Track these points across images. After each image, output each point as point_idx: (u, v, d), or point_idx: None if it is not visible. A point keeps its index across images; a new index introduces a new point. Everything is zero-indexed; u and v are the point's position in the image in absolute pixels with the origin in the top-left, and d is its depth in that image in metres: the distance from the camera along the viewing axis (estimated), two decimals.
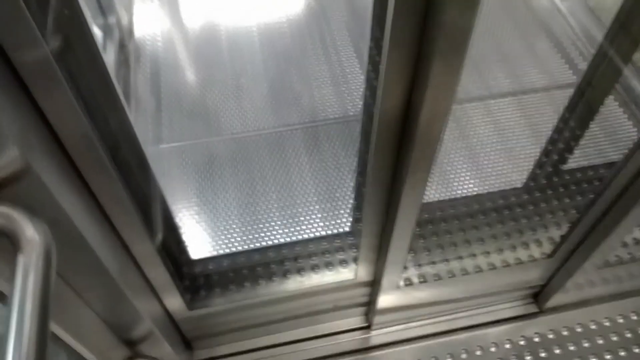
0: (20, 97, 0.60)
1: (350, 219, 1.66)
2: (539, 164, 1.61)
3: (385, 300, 1.31)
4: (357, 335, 1.44)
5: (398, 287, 1.29)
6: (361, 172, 1.18)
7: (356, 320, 1.45)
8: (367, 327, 1.44)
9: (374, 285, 1.32)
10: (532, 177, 1.60)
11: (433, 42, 0.67)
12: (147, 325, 1.02)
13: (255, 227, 1.65)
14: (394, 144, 0.88)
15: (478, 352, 1.40)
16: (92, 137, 0.69)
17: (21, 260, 0.57)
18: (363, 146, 1.11)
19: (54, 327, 0.80)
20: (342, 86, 2.04)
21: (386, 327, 1.44)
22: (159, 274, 1.04)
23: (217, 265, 1.37)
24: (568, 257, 1.35)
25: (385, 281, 1.23)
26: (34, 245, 0.57)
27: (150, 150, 1.82)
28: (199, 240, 1.61)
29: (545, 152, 1.62)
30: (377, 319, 1.39)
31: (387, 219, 1.08)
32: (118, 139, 0.88)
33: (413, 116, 0.79)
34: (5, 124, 0.54)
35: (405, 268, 1.32)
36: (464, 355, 1.40)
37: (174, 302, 1.18)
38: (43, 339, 0.55)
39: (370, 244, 1.17)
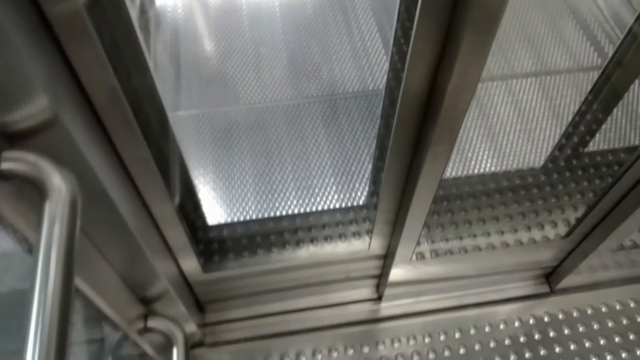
0: (51, 49, 0.60)
1: (366, 192, 1.67)
2: (559, 146, 1.59)
3: (397, 273, 1.32)
4: (367, 306, 1.45)
5: (410, 261, 1.29)
6: (380, 146, 1.18)
7: (367, 292, 1.47)
8: (378, 299, 1.45)
9: (386, 258, 1.33)
10: (551, 158, 1.59)
11: (465, 14, 0.66)
12: (163, 285, 1.04)
13: (270, 196, 1.66)
14: (417, 117, 0.88)
15: (487, 329, 1.41)
16: (119, 93, 0.69)
17: (47, 208, 0.58)
18: (384, 120, 1.11)
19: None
20: (363, 60, 2.02)
21: (396, 299, 1.45)
22: (177, 235, 1.05)
23: (231, 232, 1.38)
24: (583, 239, 1.35)
25: (399, 255, 1.24)
26: (60, 193, 0.58)
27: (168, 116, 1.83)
28: (214, 207, 1.63)
29: (566, 134, 1.61)
30: (387, 292, 1.40)
31: (404, 193, 1.08)
32: (143, 98, 0.89)
33: (439, 89, 0.79)
34: (36, 73, 0.55)
35: (419, 243, 1.32)
36: (472, 331, 1.41)
37: (190, 264, 1.19)
38: (68, 287, 0.56)
39: (385, 217, 1.18)
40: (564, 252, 1.41)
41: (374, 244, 1.29)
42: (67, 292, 0.56)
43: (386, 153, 0.99)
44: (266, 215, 1.62)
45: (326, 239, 1.36)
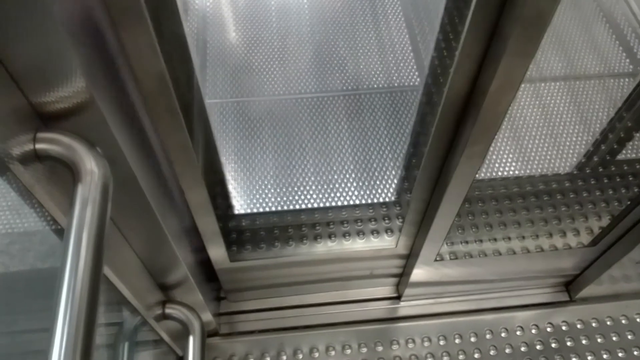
0: (95, 33, 0.60)
1: (392, 189, 1.66)
2: (586, 153, 1.57)
3: (418, 273, 1.31)
4: (386, 304, 1.44)
5: (432, 262, 1.28)
6: (415, 143, 1.17)
7: (386, 290, 1.46)
8: (397, 298, 1.45)
9: (409, 258, 1.32)
10: (577, 165, 1.57)
11: (515, 12, 0.65)
12: (183, 272, 1.04)
13: (290, 189, 1.65)
14: (457, 116, 0.87)
15: (503, 334, 1.40)
16: (167, 79, 0.69)
17: (80, 191, 0.58)
18: (420, 117, 1.10)
19: None
20: (389, 56, 2.01)
21: (415, 300, 1.44)
22: (209, 222, 1.05)
23: (260, 221, 1.38)
24: (606, 249, 1.33)
25: (422, 255, 1.23)
26: (93, 177, 0.58)
27: (205, 104, 1.83)
28: (234, 197, 1.63)
29: (594, 142, 1.58)
30: (407, 291, 1.40)
31: (434, 193, 1.07)
32: (185, 85, 0.89)
33: (482, 88, 0.78)
34: (75, 55, 0.55)
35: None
36: (488, 336, 1.40)
37: (218, 251, 1.20)
38: (97, 270, 0.56)
39: (414, 216, 1.17)
40: (586, 261, 1.39)
41: (401, 242, 1.28)
42: (96, 274, 0.56)
43: (421, 151, 0.98)
44: (285, 207, 1.61)
45: (344, 235, 1.35)
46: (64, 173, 0.59)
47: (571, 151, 1.73)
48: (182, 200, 1.06)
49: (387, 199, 1.62)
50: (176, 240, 0.96)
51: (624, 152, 1.55)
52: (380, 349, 1.38)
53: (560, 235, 1.38)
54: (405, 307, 1.44)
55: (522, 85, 1.90)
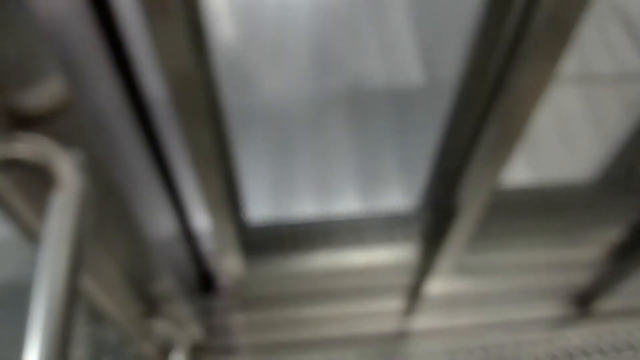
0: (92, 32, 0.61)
1: (403, 198, 1.66)
2: (605, 161, 1.57)
3: (432, 287, 1.31)
4: (395, 319, 1.45)
5: (448, 275, 1.28)
6: (432, 149, 1.18)
7: (396, 304, 1.46)
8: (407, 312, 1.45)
9: (422, 271, 1.32)
10: (594, 174, 1.57)
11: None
12: (169, 285, 1.04)
13: (286, 195, 1.66)
14: (478, 121, 0.87)
15: (513, 349, 1.40)
16: (195, 76, 0.69)
17: (55, 198, 0.58)
18: (438, 122, 1.11)
19: None
20: (390, 55, 2.01)
21: (427, 313, 1.44)
22: (226, 230, 1.08)
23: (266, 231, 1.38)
24: (622, 261, 1.33)
25: (438, 268, 1.22)
26: (69, 183, 0.58)
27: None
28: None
29: (613, 149, 1.58)
30: (419, 305, 1.39)
31: (452, 202, 1.07)
32: (210, 82, 0.89)
33: (507, 92, 0.78)
34: (54, 54, 0.55)
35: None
36: (498, 351, 1.40)
37: (231, 261, 1.21)
38: (74, 282, 0.56)
39: (429, 228, 1.17)
40: (600, 274, 1.39)
41: (415, 254, 1.28)
42: (73, 285, 0.56)
43: (440, 157, 0.99)
44: (280, 215, 1.62)
45: (364, 244, 1.33)
46: (40, 180, 0.60)
47: (588, 158, 1.74)
48: (171, 210, 1.07)
49: (399, 208, 1.63)
50: (161, 252, 0.97)
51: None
52: None
53: (573, 246, 1.38)
54: (415, 322, 1.44)
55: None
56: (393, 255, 1.30)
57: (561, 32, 0.67)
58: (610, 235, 1.37)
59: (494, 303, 1.46)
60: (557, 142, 1.75)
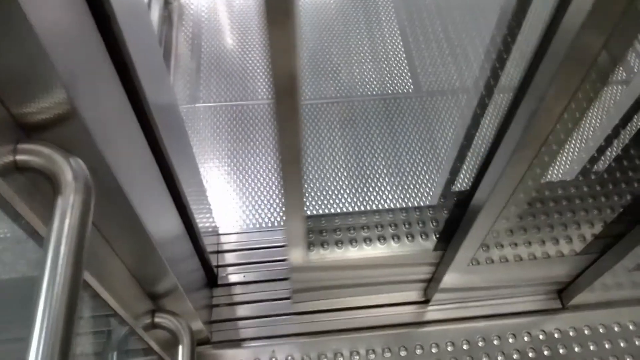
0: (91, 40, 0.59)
1: (426, 194, 1.64)
2: (579, 159, 1.56)
3: (449, 278, 1.30)
4: (414, 309, 1.45)
5: (464, 268, 1.26)
6: (456, 146, 1.17)
7: (414, 295, 1.46)
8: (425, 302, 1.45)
9: (441, 263, 1.31)
10: (568, 172, 1.55)
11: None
12: (172, 281, 1.02)
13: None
14: (504, 120, 0.86)
15: (495, 342, 1.39)
16: (299, 77, 0.69)
17: (59, 202, 0.57)
18: (464, 121, 1.09)
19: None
20: (383, 63, 2.00)
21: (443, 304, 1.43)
22: (299, 223, 1.04)
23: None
24: (598, 256, 1.32)
25: (456, 260, 1.22)
26: (73, 188, 0.57)
27: (186, 108, 1.82)
28: (225, 201, 1.62)
29: (587, 148, 1.57)
30: (437, 296, 1.39)
31: (474, 197, 1.06)
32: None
33: (536, 92, 0.77)
34: (56, 64, 0.53)
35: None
36: (480, 343, 1.38)
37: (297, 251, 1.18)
38: (76, 282, 0.55)
39: (450, 222, 1.15)
40: (578, 269, 1.37)
41: (436, 247, 1.27)
42: (75, 286, 0.55)
43: (463, 154, 0.98)
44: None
45: (392, 237, 1.31)
46: (45, 184, 0.58)
47: (563, 158, 1.72)
48: (175, 208, 1.05)
49: (422, 203, 1.62)
50: (165, 250, 0.95)
51: (616, 158, 1.54)
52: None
53: (552, 242, 1.36)
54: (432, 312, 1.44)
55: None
56: (415, 248, 1.29)
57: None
58: (586, 231, 1.36)
59: (476, 297, 1.44)
60: None
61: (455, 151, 1.28)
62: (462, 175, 1.27)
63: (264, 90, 1.90)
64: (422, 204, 1.65)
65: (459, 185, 1.33)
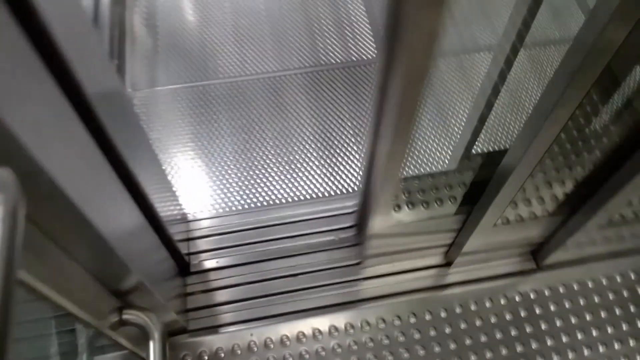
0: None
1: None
2: None
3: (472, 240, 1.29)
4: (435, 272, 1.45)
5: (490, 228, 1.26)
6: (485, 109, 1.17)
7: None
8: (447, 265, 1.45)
9: (464, 227, 1.31)
10: None
11: None
12: (137, 278, 0.98)
13: (254, 183, 1.60)
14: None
15: (473, 307, 1.38)
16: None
17: None
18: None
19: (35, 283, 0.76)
20: (347, 29, 1.94)
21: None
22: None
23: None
24: (569, 216, 1.31)
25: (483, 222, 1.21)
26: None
27: (145, 93, 1.75)
28: (192, 186, 1.57)
29: None
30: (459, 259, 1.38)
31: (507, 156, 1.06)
32: None
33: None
34: None
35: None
36: (458, 310, 1.38)
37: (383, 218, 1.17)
38: (7, 299, 0.51)
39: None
40: (551, 230, 1.36)
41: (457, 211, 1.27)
42: (6, 303, 0.51)
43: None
44: (254, 199, 1.56)
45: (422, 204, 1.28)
46: None
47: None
48: (131, 201, 1.00)
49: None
50: (123, 246, 0.91)
51: (585, 117, 1.52)
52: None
53: (525, 204, 1.35)
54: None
55: (481, 54, 1.86)
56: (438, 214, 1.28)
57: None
58: (557, 191, 1.35)
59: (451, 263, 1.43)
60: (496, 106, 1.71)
61: (477, 115, 1.25)
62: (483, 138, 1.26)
63: (226, 68, 1.83)
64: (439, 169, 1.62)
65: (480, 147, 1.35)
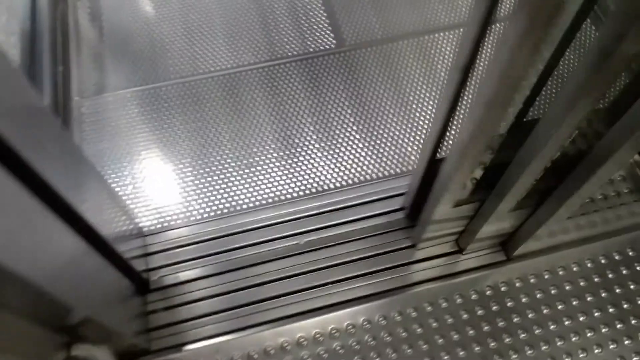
0: None
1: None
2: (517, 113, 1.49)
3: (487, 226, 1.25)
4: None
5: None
6: None
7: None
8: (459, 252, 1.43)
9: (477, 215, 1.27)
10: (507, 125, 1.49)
11: None
12: (81, 313, 0.92)
13: (212, 190, 1.53)
14: None
15: (444, 305, 1.35)
16: None
17: None
18: None
19: None
20: (302, 19, 1.86)
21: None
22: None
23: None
24: (539, 205, 1.27)
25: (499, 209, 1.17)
26: None
27: (93, 100, 1.66)
28: (148, 197, 1.50)
29: (525, 100, 1.50)
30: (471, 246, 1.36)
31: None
32: None
33: None
34: None
35: None
36: (429, 308, 1.35)
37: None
38: None
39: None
40: (520, 220, 1.33)
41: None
42: None
43: None
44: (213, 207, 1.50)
45: None
46: None
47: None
48: (65, 228, 0.93)
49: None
50: (60, 283, 0.84)
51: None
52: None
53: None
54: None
55: (442, 34, 1.80)
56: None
57: None
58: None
59: None
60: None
61: None
62: None
63: (178, 67, 1.74)
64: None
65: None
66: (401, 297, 1.35)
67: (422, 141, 1.61)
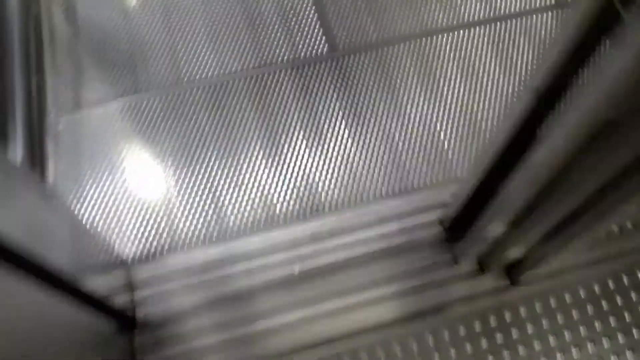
0: None
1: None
2: None
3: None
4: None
5: None
6: None
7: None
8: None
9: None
10: None
11: None
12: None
13: (201, 211, 1.44)
14: None
15: (446, 335, 1.28)
16: None
17: None
18: None
19: None
20: (293, 24, 1.75)
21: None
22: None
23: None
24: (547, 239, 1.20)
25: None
26: None
27: (70, 116, 1.55)
28: (133, 225, 1.41)
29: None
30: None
31: None
32: None
33: None
34: None
35: None
36: (431, 341, 1.28)
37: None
38: None
39: None
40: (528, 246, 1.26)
41: None
42: None
43: None
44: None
45: None
46: None
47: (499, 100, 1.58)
48: (25, 277, 0.84)
49: None
50: (27, 344, 0.76)
51: None
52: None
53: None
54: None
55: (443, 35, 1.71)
56: None
57: None
58: None
59: None
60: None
61: None
62: None
63: (159, 77, 1.64)
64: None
65: None
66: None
67: (421, 154, 1.53)
